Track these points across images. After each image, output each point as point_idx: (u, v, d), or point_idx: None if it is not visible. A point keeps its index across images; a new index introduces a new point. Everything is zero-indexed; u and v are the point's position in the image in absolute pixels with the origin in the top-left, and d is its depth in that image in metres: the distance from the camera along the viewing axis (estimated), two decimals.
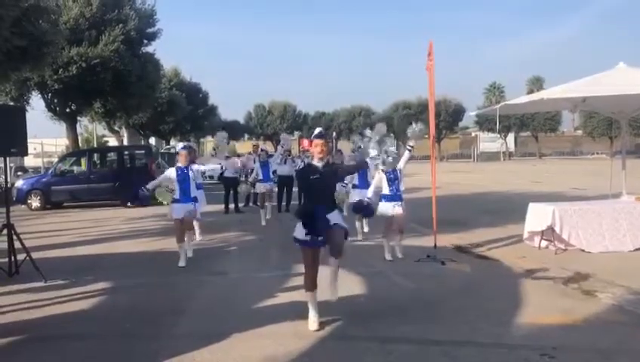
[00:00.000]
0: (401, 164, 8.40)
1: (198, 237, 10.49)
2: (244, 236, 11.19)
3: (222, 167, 8.78)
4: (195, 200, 8.66)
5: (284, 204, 15.12)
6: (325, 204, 5.18)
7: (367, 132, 7.01)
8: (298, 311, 5.51)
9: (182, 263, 8.31)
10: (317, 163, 5.31)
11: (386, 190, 8.38)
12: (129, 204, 17.64)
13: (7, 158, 8.45)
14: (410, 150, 8.42)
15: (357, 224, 10.36)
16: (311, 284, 5.25)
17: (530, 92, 45.36)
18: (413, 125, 8.42)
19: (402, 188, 8.45)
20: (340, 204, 9.31)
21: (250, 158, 15.59)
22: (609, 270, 7.29)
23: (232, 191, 15.59)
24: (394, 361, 4.41)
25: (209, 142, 68.04)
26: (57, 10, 14.87)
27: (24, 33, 11.73)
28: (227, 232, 11.53)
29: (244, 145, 60.34)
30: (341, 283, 5.28)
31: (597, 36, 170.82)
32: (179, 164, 8.59)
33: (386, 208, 8.36)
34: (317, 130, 5.49)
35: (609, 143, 68.78)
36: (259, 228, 12.15)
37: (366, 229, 10.61)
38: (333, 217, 5.15)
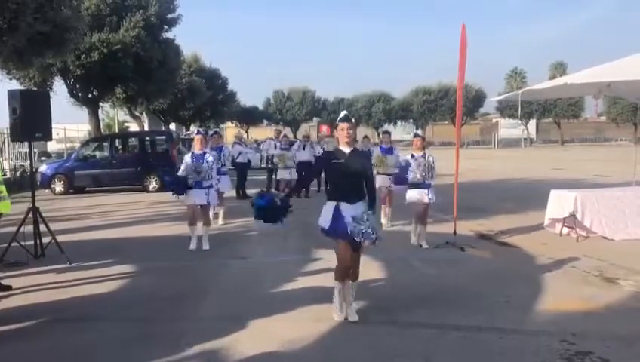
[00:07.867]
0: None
1: (220, 221, 10.62)
2: None
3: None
4: (210, 187, 8.51)
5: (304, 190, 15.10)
6: (351, 193, 4.88)
7: None
8: (317, 296, 5.56)
9: (193, 246, 8.35)
10: (343, 148, 5.01)
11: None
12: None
13: (32, 143, 8.55)
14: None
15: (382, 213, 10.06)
16: (341, 274, 4.99)
17: (553, 77, 44.65)
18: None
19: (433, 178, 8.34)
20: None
21: (271, 144, 15.62)
22: (631, 257, 7.21)
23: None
24: (414, 346, 4.42)
25: (229, 128, 68.20)
26: None
27: (47, 19, 11.87)
28: (248, 217, 11.56)
29: (264, 132, 60.45)
30: (361, 268, 5.27)
31: (622, 20, 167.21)
32: (194, 150, 8.53)
33: (413, 195, 8.23)
34: (342, 113, 5.16)
35: (633, 130, 67.49)
36: None
37: (388, 224, 10.17)
38: (354, 213, 4.78)
